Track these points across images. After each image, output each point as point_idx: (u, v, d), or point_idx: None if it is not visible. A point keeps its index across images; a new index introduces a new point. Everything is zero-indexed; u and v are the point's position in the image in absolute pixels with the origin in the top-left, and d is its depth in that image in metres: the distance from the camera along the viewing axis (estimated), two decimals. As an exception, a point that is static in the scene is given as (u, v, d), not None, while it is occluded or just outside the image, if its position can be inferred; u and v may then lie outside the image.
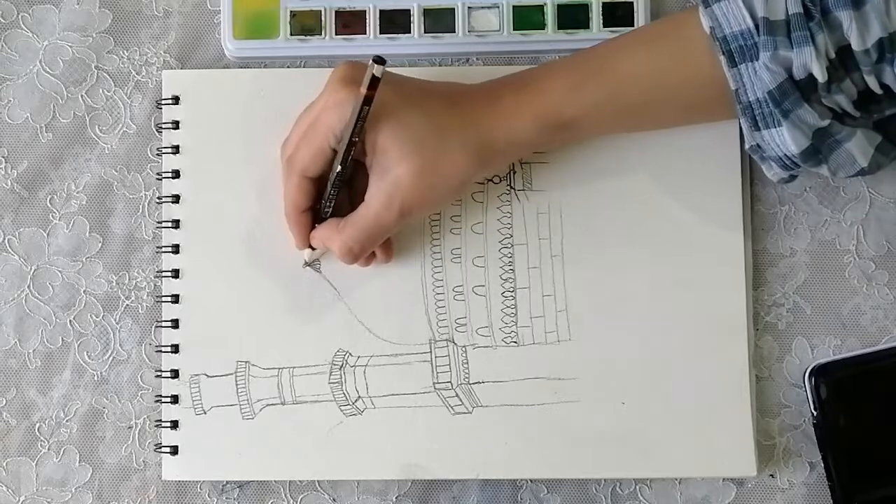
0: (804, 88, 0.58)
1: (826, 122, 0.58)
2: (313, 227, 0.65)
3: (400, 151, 0.60)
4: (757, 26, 0.58)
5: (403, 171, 0.61)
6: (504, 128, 0.62)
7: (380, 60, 0.58)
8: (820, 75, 0.57)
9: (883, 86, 0.58)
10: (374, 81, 0.58)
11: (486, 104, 0.62)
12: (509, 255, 0.68)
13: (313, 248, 0.66)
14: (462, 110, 0.62)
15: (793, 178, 0.63)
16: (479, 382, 0.68)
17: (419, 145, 0.61)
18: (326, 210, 0.65)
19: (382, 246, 0.66)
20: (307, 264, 0.68)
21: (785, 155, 0.60)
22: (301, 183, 0.64)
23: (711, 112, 0.64)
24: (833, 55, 0.57)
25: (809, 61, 0.57)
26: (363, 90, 0.59)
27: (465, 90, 0.63)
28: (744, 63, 0.59)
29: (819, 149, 0.59)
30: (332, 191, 0.64)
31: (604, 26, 0.69)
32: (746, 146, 0.61)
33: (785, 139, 0.59)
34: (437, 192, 0.62)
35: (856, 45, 0.56)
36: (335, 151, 0.62)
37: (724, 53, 0.59)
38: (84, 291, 0.70)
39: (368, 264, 0.66)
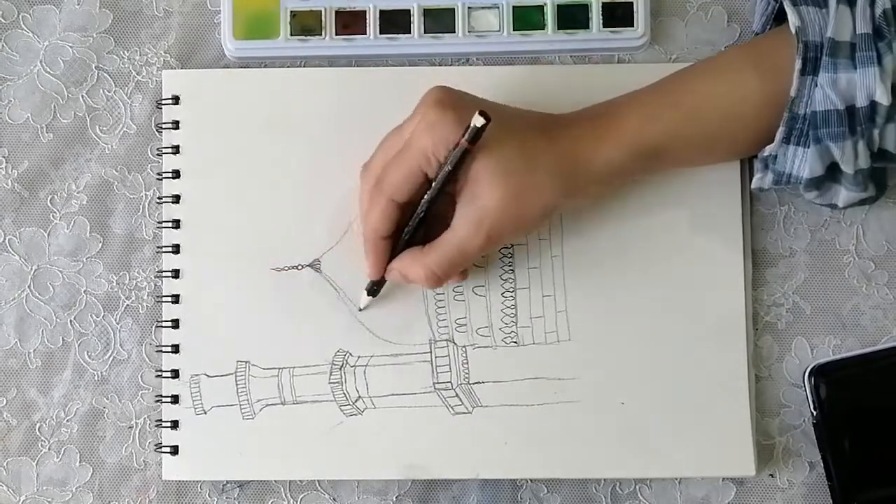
0: (852, 120, 0.59)
1: (865, 165, 0.60)
2: (391, 256, 0.64)
3: (490, 180, 0.60)
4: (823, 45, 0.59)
5: (492, 198, 0.60)
6: (590, 155, 0.61)
7: (486, 116, 0.58)
8: (885, 98, 0.58)
9: None
10: (477, 135, 0.58)
11: (573, 131, 0.62)
12: (509, 256, 0.68)
13: (383, 281, 0.66)
14: (552, 138, 0.62)
15: (762, 191, 0.65)
16: (479, 382, 0.68)
17: (509, 174, 0.60)
18: (407, 236, 0.63)
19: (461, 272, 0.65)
20: (361, 309, 0.68)
21: (789, 174, 0.61)
22: (388, 207, 0.62)
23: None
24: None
25: (874, 83, 0.58)
26: (464, 142, 0.59)
27: (555, 118, 0.63)
28: (810, 75, 0.59)
29: (822, 183, 0.61)
30: (419, 218, 0.63)
31: (604, 26, 0.69)
32: (766, 153, 0.62)
33: (805, 162, 0.60)
34: (524, 220, 0.62)
35: None
36: (426, 175, 0.61)
37: (801, 58, 0.59)
38: (84, 291, 0.70)
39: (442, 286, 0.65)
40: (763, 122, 0.61)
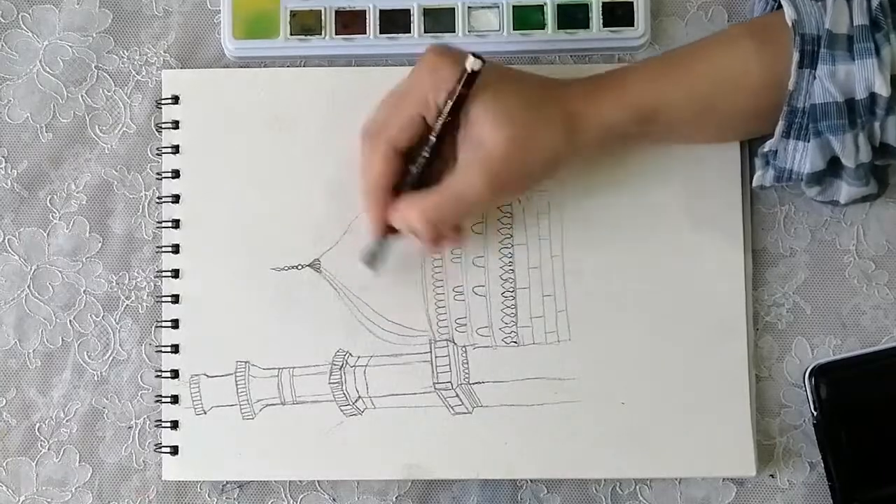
0: (852, 113, 0.59)
1: (866, 159, 0.60)
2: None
3: (493, 122, 0.60)
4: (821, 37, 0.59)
5: (496, 141, 0.60)
6: (592, 110, 0.61)
7: (480, 58, 0.58)
8: (884, 90, 0.57)
9: None
10: (470, 78, 0.59)
11: (577, 90, 0.62)
12: (509, 255, 0.68)
13: (387, 235, 0.65)
14: (554, 92, 0.62)
15: (763, 188, 0.65)
16: (479, 382, 0.68)
17: (512, 116, 0.60)
18: (413, 179, 0.62)
19: (456, 227, 0.64)
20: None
21: (790, 170, 0.61)
22: (389, 155, 0.62)
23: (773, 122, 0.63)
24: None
25: (872, 75, 0.57)
26: (459, 87, 0.59)
27: (557, 80, 0.63)
28: (808, 68, 0.59)
29: (823, 178, 0.61)
30: (420, 162, 0.62)
31: (604, 26, 0.69)
32: (766, 148, 0.62)
33: (805, 157, 0.60)
34: (529, 166, 0.61)
35: None
36: (425, 120, 0.61)
37: (798, 51, 0.59)
38: (84, 291, 0.70)
39: (439, 247, 0.64)
40: (762, 100, 0.61)
